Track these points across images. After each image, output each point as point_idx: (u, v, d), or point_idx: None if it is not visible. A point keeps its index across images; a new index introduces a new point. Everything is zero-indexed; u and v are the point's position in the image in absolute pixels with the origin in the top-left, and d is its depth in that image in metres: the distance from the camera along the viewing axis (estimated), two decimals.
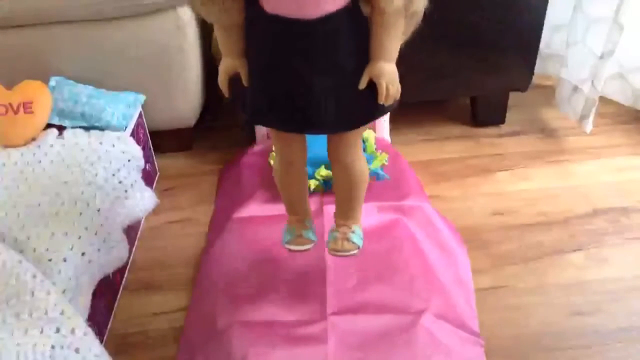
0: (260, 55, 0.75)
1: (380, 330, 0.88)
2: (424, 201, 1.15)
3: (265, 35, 0.73)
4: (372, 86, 0.74)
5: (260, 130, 1.32)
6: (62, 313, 0.77)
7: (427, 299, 0.93)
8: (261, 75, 0.76)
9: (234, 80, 0.79)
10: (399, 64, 0.75)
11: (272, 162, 1.18)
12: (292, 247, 0.92)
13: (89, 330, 0.78)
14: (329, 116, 0.75)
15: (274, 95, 0.75)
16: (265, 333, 0.88)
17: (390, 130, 1.32)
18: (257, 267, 1.00)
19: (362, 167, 0.86)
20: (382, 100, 0.74)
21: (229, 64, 0.78)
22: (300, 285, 0.96)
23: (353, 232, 0.90)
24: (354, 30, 0.72)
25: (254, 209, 1.12)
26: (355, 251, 0.90)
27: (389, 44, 0.72)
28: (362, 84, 0.74)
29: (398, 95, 0.76)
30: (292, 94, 0.74)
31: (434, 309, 0.91)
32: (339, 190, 0.90)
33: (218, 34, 0.77)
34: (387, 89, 0.73)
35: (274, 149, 0.86)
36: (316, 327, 0.88)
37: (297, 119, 0.76)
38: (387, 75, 0.73)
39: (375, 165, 1.14)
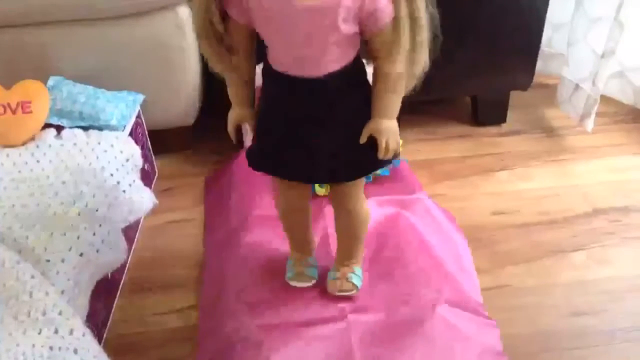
0: (267, 108, 0.80)
1: (400, 325, 0.89)
2: (422, 194, 1.15)
3: (273, 91, 0.78)
4: (373, 139, 0.77)
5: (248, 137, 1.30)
6: (60, 314, 0.77)
7: (440, 289, 0.94)
8: (267, 127, 0.81)
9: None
10: None
11: None
12: (294, 284, 0.95)
13: (88, 331, 0.78)
14: (330, 168, 0.80)
15: (278, 147, 0.80)
16: (286, 335, 0.88)
17: None
18: (271, 268, 1.00)
19: (364, 212, 0.89)
20: (381, 155, 0.78)
21: (237, 114, 0.82)
22: (316, 286, 0.96)
23: (353, 272, 0.93)
24: (354, 87, 0.76)
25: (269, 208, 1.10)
26: (355, 291, 0.93)
27: (391, 104, 0.76)
28: (363, 139, 0.77)
29: (399, 150, 0.79)
30: (295, 147, 0.78)
31: (448, 298, 0.92)
32: (341, 233, 0.93)
33: (228, 85, 0.81)
34: (387, 144, 0.77)
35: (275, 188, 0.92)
36: (336, 326, 0.89)
37: (300, 170, 0.81)
38: (387, 132, 0.76)
39: None
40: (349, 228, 0.90)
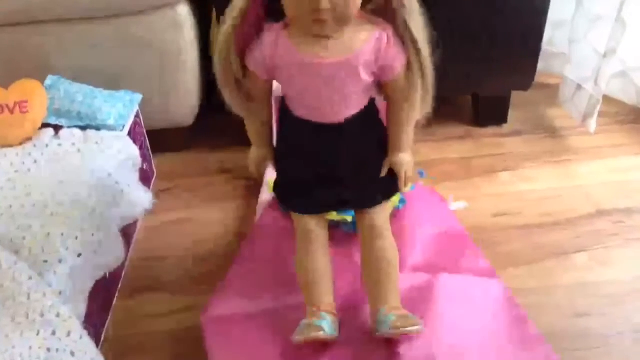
0: (287, 150, 0.87)
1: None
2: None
3: (292, 134, 0.85)
4: (390, 170, 0.87)
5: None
6: (57, 315, 0.76)
7: None
8: (291, 167, 0.88)
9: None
10: None
11: None
12: (299, 338, 0.78)
13: (85, 333, 0.77)
14: (352, 199, 0.87)
15: (304, 184, 0.86)
16: None
17: None
18: None
19: (393, 242, 0.87)
20: (401, 185, 0.87)
21: (258, 154, 0.90)
22: None
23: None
24: (369, 128, 0.84)
25: None
26: (420, 327, 0.77)
27: (407, 139, 0.85)
28: (383, 173, 0.87)
29: (414, 178, 0.91)
30: (317, 185, 0.85)
31: None
32: (372, 270, 0.84)
33: (247, 127, 0.88)
34: (406, 174, 0.87)
35: (295, 227, 0.90)
36: None
37: (325, 202, 0.87)
38: (405, 164, 0.86)
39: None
40: (379, 259, 0.83)
